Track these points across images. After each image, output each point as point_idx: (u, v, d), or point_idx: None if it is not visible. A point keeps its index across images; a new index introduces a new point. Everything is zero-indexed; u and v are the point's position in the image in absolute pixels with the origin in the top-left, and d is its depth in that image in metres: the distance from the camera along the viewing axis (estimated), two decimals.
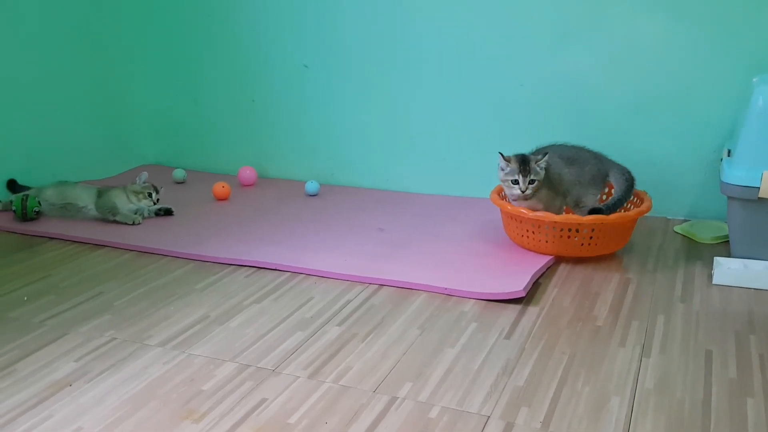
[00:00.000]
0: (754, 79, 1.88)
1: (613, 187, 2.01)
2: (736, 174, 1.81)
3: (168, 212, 2.31)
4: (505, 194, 1.99)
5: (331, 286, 1.79)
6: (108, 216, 2.24)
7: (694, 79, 2.14)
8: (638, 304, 1.67)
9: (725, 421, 1.22)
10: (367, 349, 1.49)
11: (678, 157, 2.20)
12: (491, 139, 2.37)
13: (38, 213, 2.27)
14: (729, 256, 1.90)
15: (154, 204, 2.31)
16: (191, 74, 2.80)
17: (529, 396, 1.30)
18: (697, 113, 2.16)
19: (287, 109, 2.68)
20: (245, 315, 1.65)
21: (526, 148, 2.00)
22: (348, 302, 1.70)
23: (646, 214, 1.95)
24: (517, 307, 1.66)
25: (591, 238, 1.87)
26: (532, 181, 1.88)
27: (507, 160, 1.90)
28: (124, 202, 2.27)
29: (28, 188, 2.38)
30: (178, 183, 2.71)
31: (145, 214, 2.29)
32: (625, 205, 1.96)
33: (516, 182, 1.88)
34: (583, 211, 1.94)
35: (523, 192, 1.88)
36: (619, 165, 2.00)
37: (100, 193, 2.29)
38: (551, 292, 1.75)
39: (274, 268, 1.90)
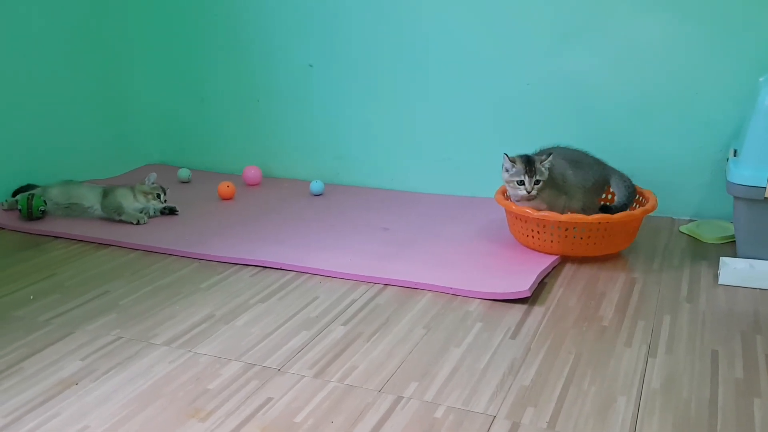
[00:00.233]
0: (761, 79, 1.88)
1: (613, 195, 2.02)
2: (743, 174, 1.81)
3: (172, 211, 2.32)
4: (509, 194, 1.99)
5: (336, 286, 1.79)
6: (113, 215, 2.24)
7: (699, 78, 2.14)
8: (644, 304, 1.67)
9: (732, 422, 1.22)
10: (372, 348, 1.49)
11: (683, 156, 2.20)
12: (496, 138, 2.37)
13: (44, 212, 2.27)
14: (735, 256, 1.89)
15: (163, 203, 2.31)
16: (196, 74, 2.80)
17: (535, 396, 1.30)
18: (702, 113, 2.16)
19: (292, 109, 2.68)
20: (250, 314, 1.65)
21: (530, 149, 2.00)
22: (353, 302, 1.70)
23: (651, 214, 1.95)
24: (523, 307, 1.66)
25: (590, 237, 1.87)
26: (537, 182, 1.88)
27: (512, 160, 1.90)
28: (130, 202, 2.27)
29: (34, 187, 2.38)
30: (183, 182, 2.71)
31: (151, 213, 2.29)
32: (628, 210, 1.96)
33: (522, 183, 1.88)
34: (588, 212, 1.94)
35: (528, 192, 1.88)
36: (619, 172, 2.01)
37: (106, 193, 2.29)
38: (557, 291, 1.74)
39: (278, 267, 1.90)
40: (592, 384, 1.34)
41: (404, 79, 2.48)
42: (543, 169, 1.89)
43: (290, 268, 1.89)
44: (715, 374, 1.37)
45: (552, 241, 1.89)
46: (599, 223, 1.85)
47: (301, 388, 1.34)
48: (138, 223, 2.23)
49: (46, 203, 2.28)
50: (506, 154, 1.91)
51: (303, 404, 1.29)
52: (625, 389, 1.32)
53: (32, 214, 2.25)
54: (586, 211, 1.94)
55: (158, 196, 2.30)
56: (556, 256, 1.90)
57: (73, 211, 2.29)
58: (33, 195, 2.27)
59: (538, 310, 1.64)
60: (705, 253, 1.97)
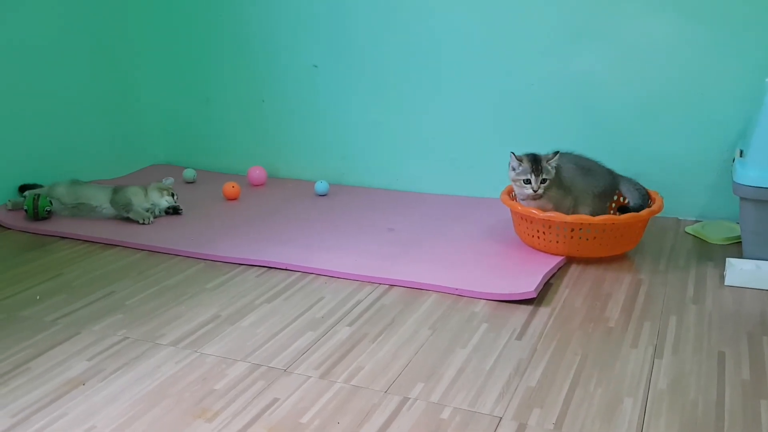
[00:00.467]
0: (767, 79, 1.87)
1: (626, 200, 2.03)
2: (749, 174, 1.80)
3: (176, 210, 2.32)
4: (515, 194, 1.99)
5: (342, 286, 1.79)
6: (121, 212, 2.25)
7: (705, 78, 2.13)
8: (650, 305, 1.67)
9: (739, 423, 1.22)
10: (378, 349, 1.49)
11: (689, 157, 2.19)
12: (501, 139, 2.37)
13: (50, 212, 2.28)
14: (741, 257, 1.89)
15: (175, 203, 2.32)
16: (201, 74, 2.80)
17: (542, 397, 1.30)
18: (708, 113, 2.15)
19: (297, 109, 2.68)
20: (256, 314, 1.65)
21: (536, 149, 1.99)
22: (358, 302, 1.70)
23: (657, 215, 1.94)
24: (529, 308, 1.66)
25: (596, 238, 1.87)
26: (544, 180, 1.88)
27: (519, 159, 1.90)
28: (140, 200, 2.28)
29: (39, 186, 2.39)
30: (189, 183, 2.71)
31: (156, 213, 2.29)
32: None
33: (528, 182, 1.88)
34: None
35: (535, 191, 1.88)
36: (628, 178, 2.02)
37: (116, 190, 2.30)
38: (562, 292, 1.74)
39: (284, 267, 1.90)
40: (599, 385, 1.34)
41: (409, 80, 2.48)
42: (549, 167, 1.89)
43: (295, 268, 1.89)
44: (722, 375, 1.36)
45: (558, 242, 1.89)
46: (605, 224, 1.85)
47: (307, 389, 1.34)
48: (143, 222, 2.23)
49: (51, 203, 2.28)
50: (513, 153, 1.91)
51: (309, 405, 1.29)
52: (632, 390, 1.32)
53: (38, 214, 2.26)
54: (595, 216, 1.94)
55: (173, 194, 2.32)
56: (562, 257, 1.90)
57: (80, 211, 2.29)
58: (39, 195, 2.27)
59: (543, 311, 1.64)
60: (711, 254, 1.96)
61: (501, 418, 1.24)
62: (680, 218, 2.25)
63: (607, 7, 2.19)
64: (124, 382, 1.37)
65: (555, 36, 2.26)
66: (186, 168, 2.80)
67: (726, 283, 1.77)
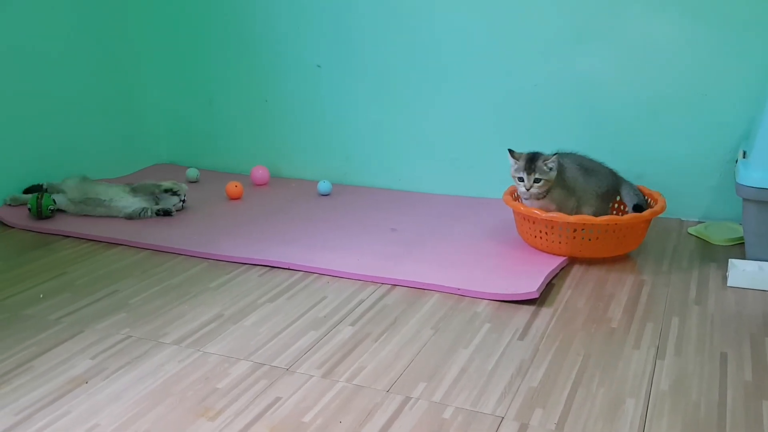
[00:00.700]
0: None
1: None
2: (752, 176, 1.80)
3: (167, 213, 2.31)
4: (518, 194, 1.99)
5: (344, 286, 1.80)
6: (151, 204, 2.29)
7: (708, 79, 2.13)
8: (653, 306, 1.67)
9: (741, 424, 1.22)
10: (380, 348, 1.49)
11: (692, 158, 2.19)
12: (504, 139, 2.36)
13: (53, 211, 2.29)
14: (744, 258, 1.88)
15: (182, 202, 2.34)
16: (205, 74, 2.81)
17: (544, 397, 1.30)
18: (712, 114, 2.15)
19: (300, 109, 2.69)
20: (259, 314, 1.65)
21: (538, 149, 1.99)
22: (361, 302, 1.71)
23: (659, 216, 1.94)
24: (531, 308, 1.66)
25: (598, 239, 1.87)
26: (537, 180, 1.88)
27: (515, 157, 1.91)
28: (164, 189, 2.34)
29: (41, 188, 2.40)
30: (192, 182, 2.72)
31: (149, 214, 2.29)
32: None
33: (522, 180, 1.88)
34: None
35: (527, 190, 1.88)
36: (629, 182, 2.02)
37: (135, 188, 2.33)
38: (565, 293, 1.74)
39: (287, 267, 1.90)
40: (601, 385, 1.34)
41: (413, 80, 2.48)
42: (545, 168, 1.88)
43: (298, 268, 1.90)
44: (724, 376, 1.36)
45: (560, 243, 1.89)
46: (608, 224, 1.85)
47: (309, 388, 1.34)
48: (174, 208, 2.30)
49: (55, 202, 2.29)
50: (510, 150, 1.91)
51: (311, 404, 1.29)
52: (634, 391, 1.32)
53: (42, 213, 2.26)
54: (598, 216, 1.94)
55: (177, 193, 2.33)
56: (565, 258, 1.90)
57: (88, 205, 2.30)
58: (43, 194, 2.28)
59: (546, 312, 1.64)
60: (714, 255, 1.96)
61: (503, 418, 1.24)
62: (683, 219, 2.24)
63: (610, 8, 2.19)
64: (127, 381, 1.38)
65: (558, 37, 2.26)
66: (189, 167, 2.81)
67: (729, 284, 1.76)
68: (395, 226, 2.20)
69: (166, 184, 2.32)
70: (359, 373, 1.39)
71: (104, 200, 2.29)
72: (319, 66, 2.61)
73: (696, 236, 2.11)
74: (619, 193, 2.02)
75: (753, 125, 1.96)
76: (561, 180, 1.92)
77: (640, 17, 2.16)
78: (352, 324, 1.60)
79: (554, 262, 1.86)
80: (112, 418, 1.26)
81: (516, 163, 1.91)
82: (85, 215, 2.30)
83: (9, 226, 2.27)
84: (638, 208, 1.93)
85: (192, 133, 2.91)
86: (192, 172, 2.74)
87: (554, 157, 1.89)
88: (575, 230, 1.86)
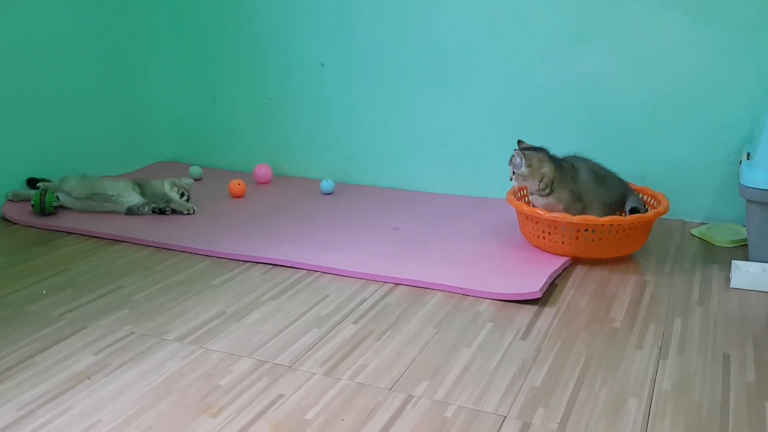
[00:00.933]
0: None
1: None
2: (756, 177, 1.80)
3: (162, 212, 2.31)
4: (523, 193, 2.00)
5: (347, 284, 1.80)
6: (160, 203, 2.29)
7: (712, 80, 2.13)
8: (655, 307, 1.67)
9: (743, 425, 1.22)
10: (382, 347, 1.49)
11: (696, 159, 2.19)
12: (507, 139, 2.36)
13: (56, 208, 2.29)
14: (747, 259, 1.88)
15: (188, 200, 2.35)
16: (208, 73, 2.81)
17: (546, 396, 1.30)
18: (715, 115, 2.15)
19: (303, 108, 2.69)
20: (261, 311, 1.66)
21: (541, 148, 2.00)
22: (363, 300, 1.71)
23: (663, 216, 1.94)
24: (533, 308, 1.66)
25: (601, 239, 1.87)
26: (513, 172, 1.94)
27: (517, 149, 1.96)
28: (168, 190, 2.33)
29: (47, 181, 2.40)
30: (195, 180, 2.72)
31: (146, 210, 2.29)
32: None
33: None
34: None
35: (510, 179, 1.95)
36: (636, 192, 2.02)
37: (143, 185, 2.34)
38: (567, 293, 1.74)
39: (289, 265, 1.91)
40: (603, 385, 1.34)
41: (416, 79, 2.48)
42: (518, 161, 1.92)
43: (301, 266, 1.90)
44: (727, 377, 1.36)
45: (563, 243, 1.89)
46: (611, 225, 1.85)
47: (311, 386, 1.35)
48: (188, 212, 2.29)
49: (59, 198, 2.29)
50: (520, 142, 1.99)
51: (314, 401, 1.29)
52: (637, 391, 1.32)
53: (45, 209, 2.26)
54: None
55: (182, 194, 2.33)
56: (567, 258, 1.90)
57: (94, 200, 2.30)
58: (46, 190, 2.28)
59: (548, 311, 1.64)
60: (717, 257, 1.96)
61: (505, 417, 1.24)
62: (686, 220, 2.24)
63: (613, 9, 2.18)
64: (130, 377, 1.38)
65: (560, 37, 2.26)
66: (192, 165, 2.81)
67: (731, 286, 1.76)
68: (398, 225, 2.20)
69: (172, 194, 2.32)
70: (361, 372, 1.39)
71: (111, 195, 2.29)
72: (322, 65, 2.61)
73: (699, 237, 2.10)
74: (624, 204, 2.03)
75: (757, 126, 1.96)
76: (571, 182, 1.92)
77: (642, 17, 2.16)
78: (355, 322, 1.60)
79: (557, 262, 1.86)
80: (115, 414, 1.26)
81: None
82: (89, 212, 2.30)
83: (12, 222, 2.27)
84: (635, 210, 1.94)
85: (195, 131, 2.91)
86: (195, 170, 2.74)
87: (539, 153, 1.93)
88: (578, 231, 1.86)
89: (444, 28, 2.40)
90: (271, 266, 1.92)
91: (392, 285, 1.79)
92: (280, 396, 1.31)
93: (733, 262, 1.83)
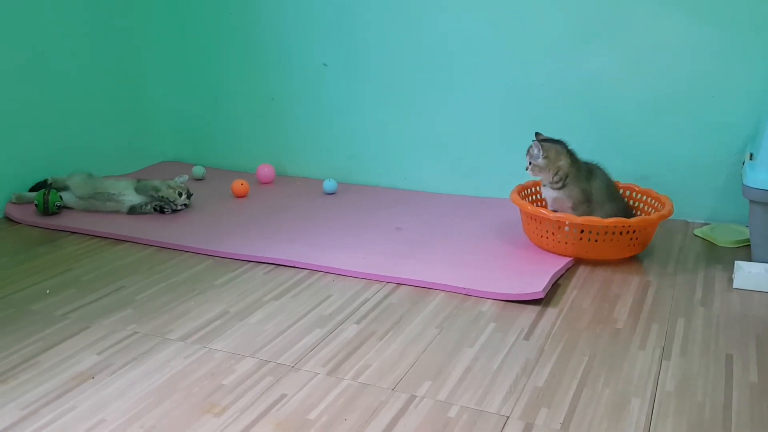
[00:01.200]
0: None
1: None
2: (759, 177, 1.80)
3: (161, 210, 2.31)
4: (526, 192, 2.01)
5: (349, 284, 1.80)
6: (150, 192, 2.29)
7: (715, 80, 2.13)
8: (658, 307, 1.67)
9: (746, 425, 1.22)
10: (385, 347, 1.49)
11: (699, 159, 2.19)
12: (509, 139, 2.37)
13: (60, 207, 2.29)
14: (750, 260, 1.88)
15: (188, 198, 2.34)
16: (210, 72, 2.81)
17: (549, 397, 1.30)
18: (718, 115, 2.14)
19: (306, 108, 2.69)
20: (264, 311, 1.66)
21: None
22: (366, 300, 1.71)
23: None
24: (536, 308, 1.66)
25: (604, 240, 1.87)
26: (530, 162, 1.94)
27: (536, 139, 1.97)
28: (164, 188, 2.33)
29: (47, 184, 2.40)
30: (197, 180, 2.72)
31: (147, 209, 2.30)
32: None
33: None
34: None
35: (526, 168, 1.96)
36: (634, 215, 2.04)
37: (140, 180, 2.35)
38: (570, 293, 1.74)
39: (292, 265, 1.91)
40: (606, 386, 1.34)
41: (418, 79, 2.48)
42: (535, 151, 1.93)
43: (303, 266, 1.90)
44: (730, 378, 1.36)
45: (566, 243, 1.89)
46: (614, 226, 1.85)
47: (314, 386, 1.35)
48: (174, 203, 2.28)
49: (62, 198, 2.30)
50: (537, 134, 2.01)
51: (317, 401, 1.30)
52: (639, 391, 1.32)
53: (48, 209, 2.27)
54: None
55: (180, 194, 2.33)
56: (570, 258, 1.90)
57: (97, 200, 2.30)
58: (49, 190, 2.29)
59: (551, 312, 1.64)
60: (719, 257, 1.96)
61: (508, 417, 1.24)
62: (689, 221, 2.24)
63: (615, 9, 2.18)
64: (133, 377, 1.38)
65: (563, 37, 2.26)
66: (195, 165, 2.81)
67: (734, 286, 1.76)
68: (400, 225, 2.20)
69: (164, 192, 2.31)
70: (364, 371, 1.39)
71: (113, 194, 2.30)
72: (325, 65, 2.61)
73: (702, 238, 2.10)
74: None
75: (760, 127, 1.96)
76: (585, 182, 1.93)
77: (646, 18, 2.16)
78: (357, 322, 1.60)
79: (560, 263, 1.86)
80: (118, 413, 1.27)
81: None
82: (92, 211, 2.31)
83: (15, 222, 2.28)
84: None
85: (198, 131, 2.92)
86: (198, 170, 2.74)
87: (557, 146, 1.93)
88: (582, 231, 1.86)
89: (446, 27, 2.40)
90: (273, 266, 1.92)
91: (395, 285, 1.79)
92: (283, 396, 1.31)
93: (735, 262, 1.83)
